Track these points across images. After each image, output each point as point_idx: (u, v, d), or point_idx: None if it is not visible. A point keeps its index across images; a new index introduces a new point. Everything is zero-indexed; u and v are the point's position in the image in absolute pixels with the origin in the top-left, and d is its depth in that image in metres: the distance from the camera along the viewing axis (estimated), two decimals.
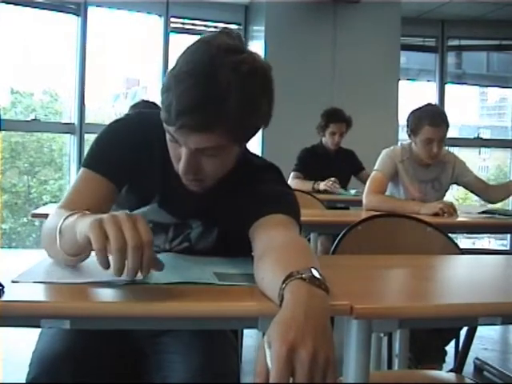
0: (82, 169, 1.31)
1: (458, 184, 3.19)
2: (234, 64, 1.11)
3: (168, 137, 1.19)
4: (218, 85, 1.09)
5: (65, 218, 1.09)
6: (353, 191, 4.34)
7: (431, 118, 2.91)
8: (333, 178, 4.14)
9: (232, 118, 1.11)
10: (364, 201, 2.95)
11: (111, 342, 1.28)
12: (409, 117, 3.05)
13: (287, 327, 0.79)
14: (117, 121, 1.37)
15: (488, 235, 6.64)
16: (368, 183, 3.02)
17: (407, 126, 3.04)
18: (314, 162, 4.37)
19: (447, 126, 2.95)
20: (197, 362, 1.25)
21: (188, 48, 1.15)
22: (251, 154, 1.41)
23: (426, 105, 3.05)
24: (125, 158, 1.30)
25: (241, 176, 1.32)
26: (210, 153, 1.16)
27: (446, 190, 3.18)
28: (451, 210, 2.73)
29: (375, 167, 3.08)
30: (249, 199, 1.27)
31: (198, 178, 1.22)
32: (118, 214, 0.98)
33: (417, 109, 3.03)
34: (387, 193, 3.10)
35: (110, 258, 0.96)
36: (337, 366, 0.78)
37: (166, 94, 1.13)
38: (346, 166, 4.48)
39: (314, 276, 0.89)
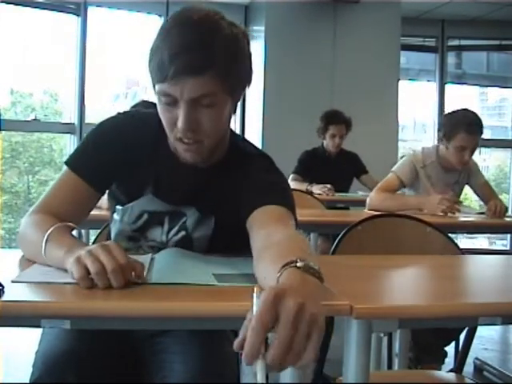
0: (65, 168, 1.32)
1: (468, 184, 3.14)
2: (214, 16, 1.22)
3: (163, 101, 1.20)
4: (203, 30, 1.17)
5: (46, 239, 1.13)
6: (360, 193, 4.34)
7: (468, 125, 2.85)
8: (328, 185, 4.12)
9: (220, 59, 1.16)
10: (368, 200, 2.92)
11: (112, 343, 1.28)
12: (443, 120, 2.99)
13: (280, 285, 0.81)
14: (107, 120, 1.37)
15: (488, 235, 6.64)
16: (380, 183, 2.98)
17: (439, 129, 2.98)
18: (315, 165, 4.34)
19: (482, 133, 2.91)
20: (196, 363, 1.25)
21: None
22: (246, 141, 1.43)
23: (462, 110, 2.96)
24: (112, 160, 1.31)
25: (233, 161, 1.34)
26: (205, 102, 1.18)
27: (461, 191, 3.16)
28: (455, 207, 2.73)
29: (393, 169, 3.03)
30: (244, 187, 1.28)
31: (197, 138, 1.22)
32: (93, 248, 1.03)
33: (453, 112, 2.97)
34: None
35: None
36: (323, 330, 0.75)
37: (154, 54, 1.18)
38: (348, 169, 4.44)
39: (308, 265, 0.89)
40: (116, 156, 1.31)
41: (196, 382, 1.22)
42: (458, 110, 2.97)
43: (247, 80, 1.28)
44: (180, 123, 1.19)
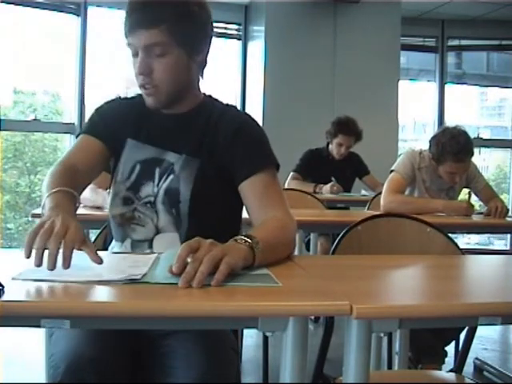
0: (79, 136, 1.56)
1: (467, 188, 3.11)
2: None
3: (131, 53, 1.43)
4: None
5: (48, 195, 1.31)
6: (363, 192, 4.33)
7: (455, 154, 2.79)
8: (337, 184, 4.12)
9: (169, 16, 1.38)
10: (382, 202, 2.86)
11: (117, 345, 1.30)
12: (431, 142, 2.92)
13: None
14: (105, 101, 1.63)
15: (488, 235, 6.64)
16: (386, 184, 2.94)
17: (429, 149, 2.93)
18: (317, 165, 4.32)
19: (471, 155, 2.86)
20: (199, 370, 1.25)
21: None
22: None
23: (449, 133, 2.85)
24: (108, 120, 1.55)
25: (205, 109, 1.53)
26: (157, 52, 1.39)
27: (458, 195, 3.16)
28: (472, 211, 2.77)
29: (393, 168, 2.99)
30: (226, 142, 1.47)
31: (152, 83, 1.43)
32: (55, 220, 1.13)
33: (441, 134, 2.89)
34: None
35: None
36: (232, 267, 1.08)
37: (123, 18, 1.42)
38: (350, 170, 4.42)
39: (241, 238, 1.17)
40: (113, 117, 1.55)
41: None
42: (445, 132, 2.88)
43: (202, 37, 1.46)
44: (136, 68, 1.42)
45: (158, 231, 1.49)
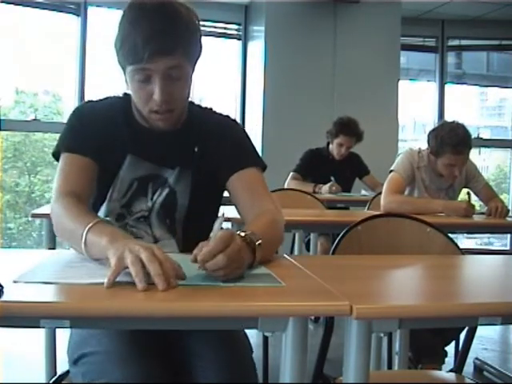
0: (61, 155, 1.44)
1: (467, 187, 3.11)
2: (170, 1, 1.36)
3: (137, 79, 1.35)
4: (166, 16, 1.33)
5: (88, 230, 1.19)
6: (363, 192, 4.33)
7: (454, 145, 2.81)
8: (336, 183, 4.12)
9: (184, 39, 1.34)
10: (382, 202, 2.87)
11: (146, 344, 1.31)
12: (430, 136, 2.93)
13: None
14: (80, 105, 1.54)
15: (488, 235, 6.63)
16: (386, 184, 2.94)
17: (428, 143, 2.94)
18: (317, 165, 4.32)
19: (470, 148, 2.87)
20: (227, 370, 1.29)
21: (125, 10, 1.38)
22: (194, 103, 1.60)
23: (448, 126, 2.89)
24: (96, 133, 1.45)
25: (195, 122, 1.52)
26: (175, 75, 1.35)
27: (458, 195, 3.16)
28: (473, 211, 2.76)
29: (393, 168, 3.00)
30: (214, 147, 1.50)
31: (169, 107, 1.39)
32: (137, 250, 1.05)
33: (439, 129, 2.91)
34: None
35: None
36: (242, 271, 1.11)
37: (125, 41, 1.33)
38: (350, 170, 4.42)
39: (247, 236, 1.18)
40: (98, 129, 1.45)
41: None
42: (443, 125, 2.90)
43: (201, 52, 1.45)
44: (157, 96, 1.35)
45: (155, 240, 1.50)
